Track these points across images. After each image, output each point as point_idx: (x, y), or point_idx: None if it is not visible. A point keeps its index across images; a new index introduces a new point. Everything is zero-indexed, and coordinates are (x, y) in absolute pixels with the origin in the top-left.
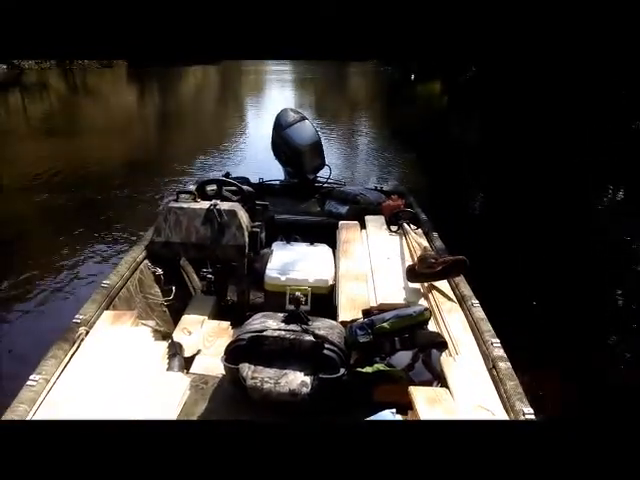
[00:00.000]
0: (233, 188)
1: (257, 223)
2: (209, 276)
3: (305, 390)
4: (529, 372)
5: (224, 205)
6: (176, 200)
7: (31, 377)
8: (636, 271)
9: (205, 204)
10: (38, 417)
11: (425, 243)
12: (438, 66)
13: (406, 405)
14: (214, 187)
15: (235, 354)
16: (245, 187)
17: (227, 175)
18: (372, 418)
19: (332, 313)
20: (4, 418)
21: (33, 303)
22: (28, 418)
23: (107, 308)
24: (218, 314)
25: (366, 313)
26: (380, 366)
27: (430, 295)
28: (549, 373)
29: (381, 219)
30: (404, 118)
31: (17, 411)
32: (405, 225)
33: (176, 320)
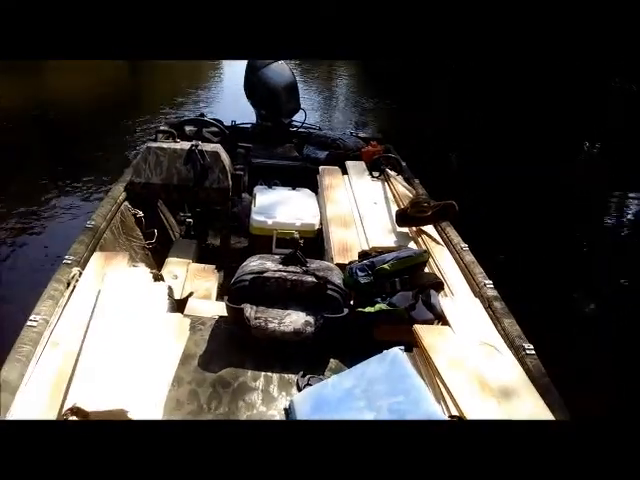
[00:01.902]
0: (214, 129)
1: (239, 166)
2: (188, 220)
3: (310, 329)
4: (522, 313)
5: (206, 146)
6: (154, 140)
7: (31, 317)
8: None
9: (186, 144)
10: (43, 359)
11: (410, 188)
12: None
13: (409, 343)
14: (193, 127)
15: (236, 295)
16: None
17: (202, 116)
18: (380, 356)
19: (319, 256)
20: (9, 357)
21: (9, 241)
22: (33, 359)
23: (94, 249)
24: (200, 258)
25: (363, 255)
26: (382, 306)
27: (419, 239)
28: (541, 313)
29: (362, 165)
30: (382, 66)
31: (22, 351)
32: (388, 171)
33: (159, 264)
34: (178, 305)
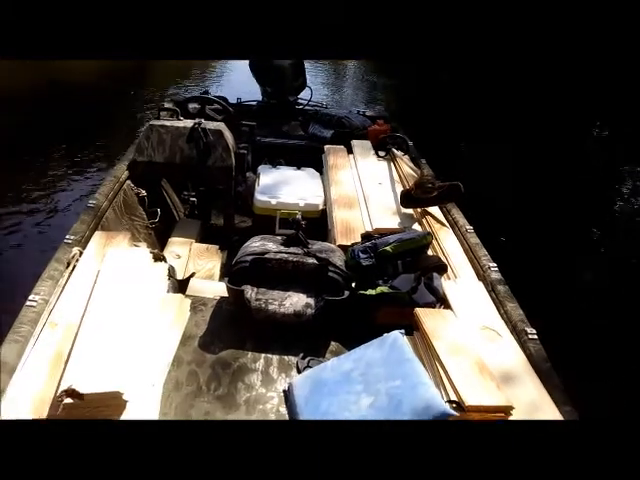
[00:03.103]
0: (217, 107)
1: (243, 144)
2: (192, 199)
3: (310, 311)
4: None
5: (209, 124)
6: (157, 117)
7: (30, 297)
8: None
9: (189, 122)
10: (41, 339)
11: (416, 169)
12: None
13: (410, 326)
14: (196, 105)
15: (237, 276)
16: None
17: (206, 93)
18: (380, 339)
19: (323, 237)
20: (7, 338)
21: (16, 219)
22: (32, 339)
23: (96, 229)
24: (204, 238)
25: (366, 237)
26: (384, 289)
27: (424, 221)
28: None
29: (368, 144)
30: None
31: (21, 331)
32: (394, 150)
33: (162, 243)
34: (180, 285)
